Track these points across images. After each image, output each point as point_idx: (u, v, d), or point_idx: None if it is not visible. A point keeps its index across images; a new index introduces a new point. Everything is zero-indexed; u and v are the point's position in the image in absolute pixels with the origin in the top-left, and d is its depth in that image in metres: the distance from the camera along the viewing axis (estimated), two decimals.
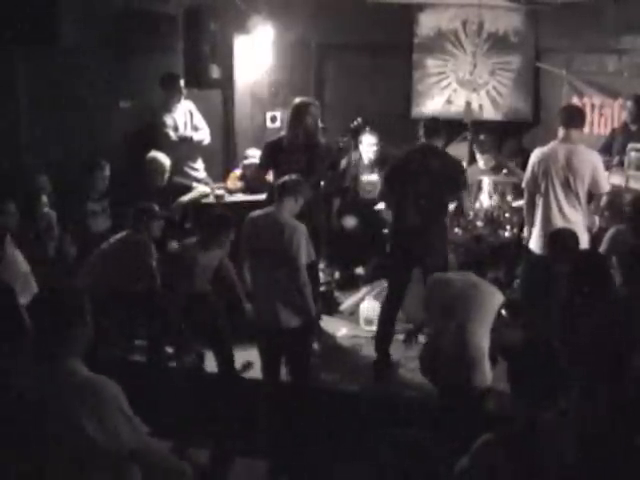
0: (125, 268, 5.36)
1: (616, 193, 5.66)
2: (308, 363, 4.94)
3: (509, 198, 6.70)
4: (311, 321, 4.78)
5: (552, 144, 5.61)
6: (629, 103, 6.72)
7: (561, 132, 5.56)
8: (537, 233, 5.63)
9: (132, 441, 2.60)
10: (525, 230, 5.94)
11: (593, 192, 5.51)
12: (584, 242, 5.39)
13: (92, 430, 2.50)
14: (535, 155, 5.65)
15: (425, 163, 5.44)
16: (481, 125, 7.55)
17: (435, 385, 4.58)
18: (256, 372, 5.34)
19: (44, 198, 5.66)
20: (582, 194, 5.47)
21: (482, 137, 7.17)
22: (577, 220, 5.48)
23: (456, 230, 6.52)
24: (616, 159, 6.29)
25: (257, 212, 4.89)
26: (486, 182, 6.82)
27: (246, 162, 7.08)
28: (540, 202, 5.61)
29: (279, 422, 4.76)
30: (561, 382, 2.78)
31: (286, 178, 4.89)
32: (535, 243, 5.65)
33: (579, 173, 5.42)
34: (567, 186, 5.46)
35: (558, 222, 5.44)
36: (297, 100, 5.90)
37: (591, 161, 5.47)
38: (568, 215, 5.48)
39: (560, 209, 5.50)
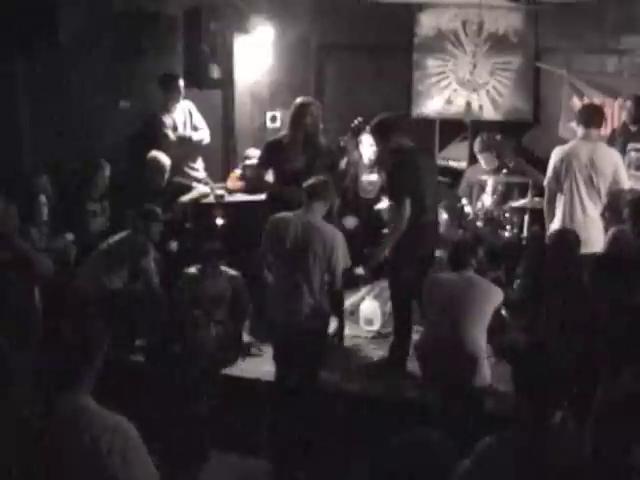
0: (122, 269, 5.37)
1: (616, 193, 5.68)
2: (320, 366, 4.91)
3: (510, 197, 6.69)
4: (341, 327, 4.76)
5: (573, 142, 5.72)
6: (628, 103, 6.73)
7: (581, 131, 5.67)
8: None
9: None
10: (525, 229, 5.96)
11: (612, 189, 5.57)
12: (601, 240, 5.43)
13: (114, 469, 2.40)
14: (556, 154, 5.72)
15: (429, 161, 5.61)
16: (481, 125, 7.54)
17: (432, 382, 4.57)
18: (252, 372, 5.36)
19: (42, 198, 5.66)
20: (603, 191, 5.57)
21: (498, 137, 7.13)
22: (597, 217, 5.58)
23: (458, 230, 6.53)
24: None
25: (285, 215, 4.78)
26: (490, 182, 6.81)
27: (247, 162, 7.07)
28: (561, 199, 5.67)
29: (281, 422, 4.76)
30: (565, 384, 2.77)
31: (315, 180, 4.79)
32: None
33: (602, 171, 5.53)
34: (590, 184, 5.56)
35: (580, 219, 5.55)
36: (298, 100, 5.89)
37: (613, 159, 5.59)
38: (589, 212, 5.58)
39: (582, 206, 5.59)
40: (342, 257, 4.61)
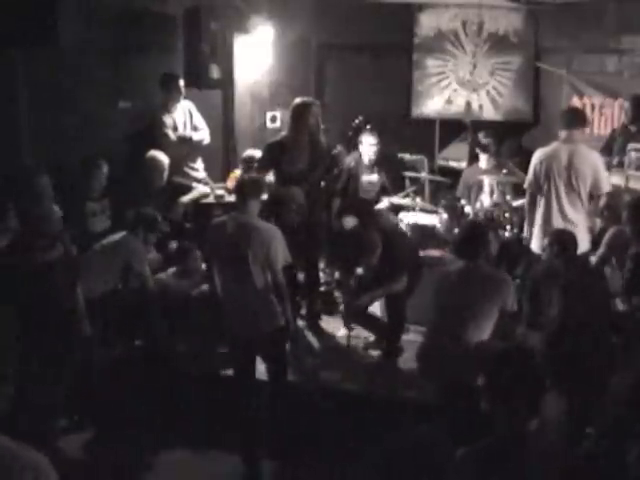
0: (116, 270, 5.38)
1: (615, 193, 5.67)
2: (286, 363, 4.92)
3: (509, 197, 6.69)
4: (288, 322, 4.72)
5: (554, 144, 5.64)
6: (626, 104, 6.75)
7: (563, 133, 5.59)
8: (537, 233, 5.65)
9: None
10: (525, 230, 5.97)
11: (593, 193, 5.54)
12: (585, 243, 5.40)
13: None
14: (537, 155, 5.68)
15: None
16: (481, 125, 7.55)
17: (433, 383, 4.53)
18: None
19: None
20: (584, 194, 5.50)
21: (483, 139, 7.13)
22: (577, 220, 5.50)
23: (456, 230, 6.52)
24: (616, 159, 6.30)
25: (221, 219, 4.80)
26: (486, 182, 6.82)
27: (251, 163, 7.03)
28: (541, 202, 5.63)
29: (279, 422, 4.76)
30: (540, 391, 2.72)
31: (245, 178, 4.87)
32: (535, 243, 5.67)
33: (581, 173, 5.46)
34: (569, 186, 5.49)
35: (558, 222, 5.47)
36: (298, 100, 5.89)
37: (593, 161, 5.51)
38: (569, 215, 5.51)
39: (561, 209, 5.53)
40: (281, 253, 4.58)
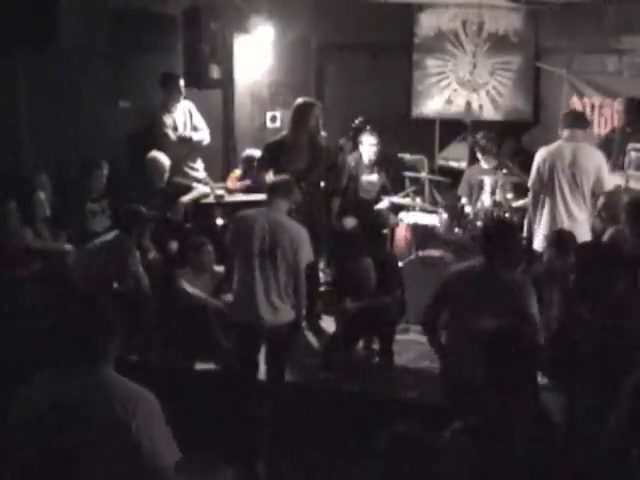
0: (107, 268, 5.39)
1: (614, 193, 5.69)
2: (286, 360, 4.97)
3: (509, 196, 6.68)
4: (299, 317, 4.80)
5: (557, 143, 5.70)
6: (622, 107, 6.79)
7: (566, 132, 5.68)
8: (543, 231, 5.65)
9: (165, 460, 2.55)
10: (525, 228, 5.97)
11: (595, 191, 5.57)
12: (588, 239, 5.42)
13: (139, 435, 2.48)
14: (540, 154, 5.73)
15: None
16: (481, 125, 7.55)
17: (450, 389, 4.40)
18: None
19: (42, 195, 5.67)
20: (587, 192, 5.56)
21: (482, 140, 7.11)
22: (582, 219, 5.57)
23: (456, 230, 6.53)
24: (612, 159, 6.31)
25: (248, 212, 4.84)
26: (486, 182, 6.82)
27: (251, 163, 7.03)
28: (546, 200, 5.66)
29: (279, 422, 4.76)
30: (531, 370, 2.77)
31: (278, 179, 4.92)
32: (539, 242, 5.67)
33: (585, 170, 5.52)
34: (573, 183, 5.55)
35: (564, 220, 5.51)
36: (300, 100, 5.90)
37: (596, 159, 5.59)
38: (574, 213, 5.56)
39: (566, 207, 5.57)
40: (306, 253, 4.69)
